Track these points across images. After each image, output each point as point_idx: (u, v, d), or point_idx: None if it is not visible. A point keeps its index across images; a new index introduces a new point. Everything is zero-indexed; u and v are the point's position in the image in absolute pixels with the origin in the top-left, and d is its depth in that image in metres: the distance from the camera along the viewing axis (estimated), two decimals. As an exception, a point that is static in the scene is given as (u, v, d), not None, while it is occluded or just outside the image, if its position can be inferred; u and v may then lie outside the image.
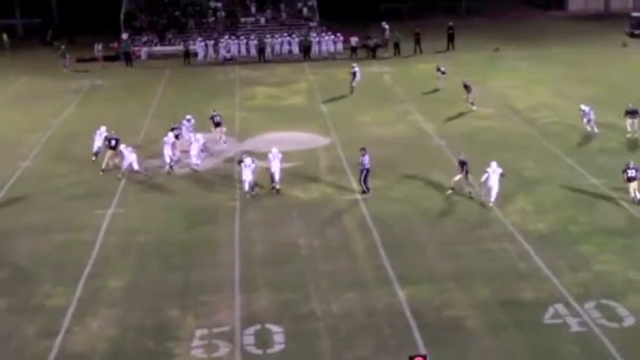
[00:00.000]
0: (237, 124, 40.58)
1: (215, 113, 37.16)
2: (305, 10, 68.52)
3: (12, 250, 25.86)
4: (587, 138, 36.17)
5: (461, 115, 40.84)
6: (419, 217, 27.77)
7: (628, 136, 35.92)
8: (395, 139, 36.89)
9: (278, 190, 30.48)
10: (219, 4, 68.72)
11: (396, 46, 59.25)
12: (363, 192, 30.06)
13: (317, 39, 62.27)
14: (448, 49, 60.09)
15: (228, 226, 27.33)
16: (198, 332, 20.41)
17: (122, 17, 66.49)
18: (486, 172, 28.56)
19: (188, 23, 66.86)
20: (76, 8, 72.41)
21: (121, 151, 33.03)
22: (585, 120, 37.00)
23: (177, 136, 34.98)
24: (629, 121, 36.07)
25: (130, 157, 32.39)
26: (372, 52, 59.21)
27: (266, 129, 39.29)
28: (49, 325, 21.00)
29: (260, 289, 22.64)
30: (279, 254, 25.10)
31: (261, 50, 60.26)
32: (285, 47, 62.41)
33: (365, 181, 30.17)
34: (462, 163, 29.62)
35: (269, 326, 20.57)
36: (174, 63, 59.22)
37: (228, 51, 60.91)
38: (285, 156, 33.91)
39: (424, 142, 36.56)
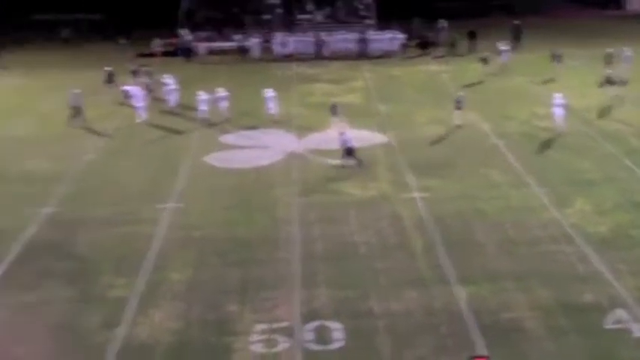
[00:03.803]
0: (294, 120, 40.81)
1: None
2: (362, 7, 68.58)
3: (76, 242, 26.33)
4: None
5: (519, 114, 40.57)
6: (477, 216, 27.71)
7: None
8: (452, 138, 36.79)
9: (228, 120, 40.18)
10: (277, 1, 69.07)
11: (452, 45, 59.05)
12: (357, 163, 32.76)
13: (374, 36, 62.33)
14: (513, 47, 59.60)
15: (287, 223, 27.52)
16: (258, 327, 20.61)
17: (181, 13, 67.20)
18: (553, 104, 36.87)
19: (246, 19, 67.34)
20: (138, 4, 73.38)
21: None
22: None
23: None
24: None
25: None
26: (424, 49, 59.47)
27: (323, 126, 39.42)
28: (111, 316, 21.37)
29: (319, 286, 22.79)
30: (338, 251, 25.22)
31: (318, 47, 60.48)
32: (342, 44, 62.50)
33: (348, 156, 32.90)
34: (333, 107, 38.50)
35: (328, 323, 20.71)
36: (231, 59, 59.77)
37: (286, 48, 61.22)
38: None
39: (481, 141, 36.41)
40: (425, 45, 60.72)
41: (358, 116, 41.36)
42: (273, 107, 40.86)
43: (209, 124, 40.28)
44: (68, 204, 29.86)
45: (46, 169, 33.92)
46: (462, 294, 22.07)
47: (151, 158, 35.28)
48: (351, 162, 33.00)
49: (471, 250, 24.99)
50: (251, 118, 40.74)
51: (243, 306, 21.80)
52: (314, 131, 38.60)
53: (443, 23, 63.39)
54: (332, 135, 37.63)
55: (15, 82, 53.65)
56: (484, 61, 50.37)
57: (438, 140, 36.62)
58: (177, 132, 39.52)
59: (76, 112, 40.87)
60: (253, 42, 62.19)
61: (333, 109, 39.13)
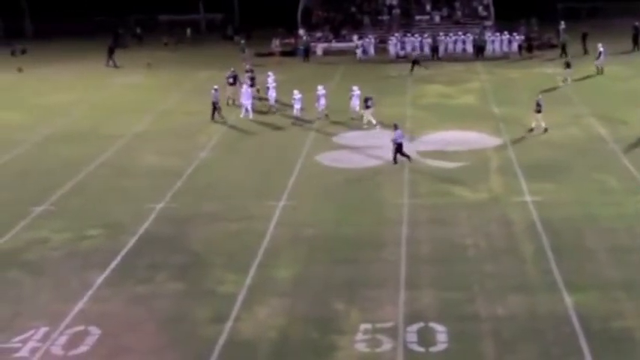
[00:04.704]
0: (407, 122, 40.74)
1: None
2: (480, 8, 67.98)
3: (189, 237, 26.99)
4: None
5: (638, 119, 39.43)
6: (590, 222, 27.08)
7: None
8: (567, 143, 36.15)
9: (327, 115, 41.44)
10: (394, 2, 69.15)
11: (563, 47, 57.76)
12: (399, 159, 33.59)
13: (491, 38, 61.75)
14: (634, 49, 58.24)
15: (395, 223, 27.52)
16: (362, 327, 20.63)
17: (299, 13, 67.98)
18: None
19: (363, 20, 67.63)
20: (256, 4, 74.66)
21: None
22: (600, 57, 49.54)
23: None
24: None
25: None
26: (529, 51, 59.26)
27: (436, 127, 39.35)
28: (219, 311, 21.75)
29: (424, 288, 22.71)
30: (445, 253, 25.08)
31: (434, 48, 60.28)
32: (459, 46, 62.20)
33: (399, 153, 33.60)
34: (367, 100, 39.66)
35: (432, 325, 20.60)
36: (348, 59, 60.24)
37: (402, 48, 61.20)
38: (455, 155, 34.14)
39: (597, 146, 35.63)
40: (530, 47, 59.78)
41: (472, 118, 41.11)
42: (356, 105, 41.32)
43: (304, 120, 41.34)
44: (182, 199, 30.64)
45: (163, 164, 34.97)
46: (569, 301, 21.63)
47: (264, 156, 35.90)
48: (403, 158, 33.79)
49: (581, 256, 24.46)
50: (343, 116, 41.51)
51: (349, 305, 21.88)
52: (426, 133, 38.49)
53: (562, 24, 62.20)
54: (443, 136, 37.60)
55: (133, 80, 55.35)
56: (567, 65, 49.04)
57: (552, 144, 36.00)
58: (289, 130, 40.12)
59: (215, 107, 42.04)
60: (369, 42, 62.55)
61: (367, 102, 39.76)
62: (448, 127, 39.38)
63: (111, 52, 61.62)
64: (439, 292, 22.38)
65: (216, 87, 42.64)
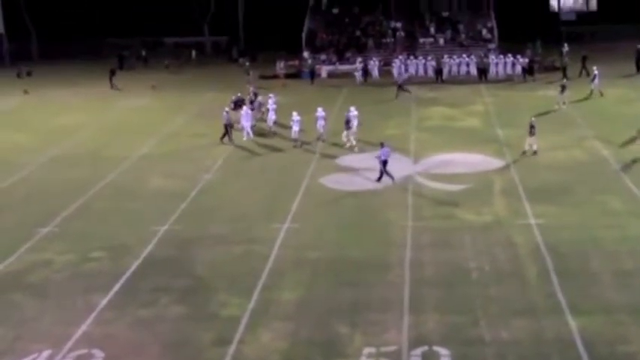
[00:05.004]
0: (411, 143, 40.80)
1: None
2: (484, 31, 68.20)
3: (193, 260, 26.95)
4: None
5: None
6: (594, 245, 27.01)
7: None
8: (571, 165, 36.16)
9: (323, 140, 41.36)
10: (398, 25, 69.43)
11: (564, 70, 57.78)
12: (391, 179, 34.03)
13: (495, 61, 61.89)
14: (637, 73, 58.34)
15: (399, 246, 27.49)
16: (366, 350, 20.53)
17: (304, 36, 68.23)
18: None
19: (367, 43, 67.87)
20: (261, 27, 75.07)
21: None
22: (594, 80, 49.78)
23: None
24: None
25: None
26: (530, 74, 59.04)
27: (440, 150, 39.36)
28: (223, 334, 21.69)
29: (428, 311, 22.63)
30: (449, 277, 25.00)
31: (438, 71, 60.42)
32: (463, 68, 62.36)
33: (383, 172, 34.04)
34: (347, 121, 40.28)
35: (436, 348, 20.51)
36: (352, 81, 60.36)
37: (406, 71, 61.35)
38: (459, 178, 34.13)
39: (601, 168, 35.62)
40: (532, 70, 59.80)
41: (476, 140, 41.12)
42: (354, 126, 41.18)
43: (303, 142, 41.46)
44: (186, 222, 30.64)
45: (167, 187, 35.02)
46: (574, 324, 21.53)
47: (268, 178, 35.94)
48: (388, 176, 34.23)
49: (585, 279, 24.36)
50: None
51: (353, 328, 21.79)
52: (430, 155, 38.52)
53: (566, 47, 62.32)
54: (447, 158, 37.61)
55: (139, 103, 55.51)
56: (562, 88, 48.98)
57: (556, 166, 36.01)
58: (292, 153, 40.20)
59: (227, 129, 42.18)
60: (373, 65, 62.75)
61: (348, 123, 40.26)
62: (452, 150, 39.40)
63: (112, 75, 61.87)
64: (443, 316, 22.30)
65: (227, 109, 42.92)
